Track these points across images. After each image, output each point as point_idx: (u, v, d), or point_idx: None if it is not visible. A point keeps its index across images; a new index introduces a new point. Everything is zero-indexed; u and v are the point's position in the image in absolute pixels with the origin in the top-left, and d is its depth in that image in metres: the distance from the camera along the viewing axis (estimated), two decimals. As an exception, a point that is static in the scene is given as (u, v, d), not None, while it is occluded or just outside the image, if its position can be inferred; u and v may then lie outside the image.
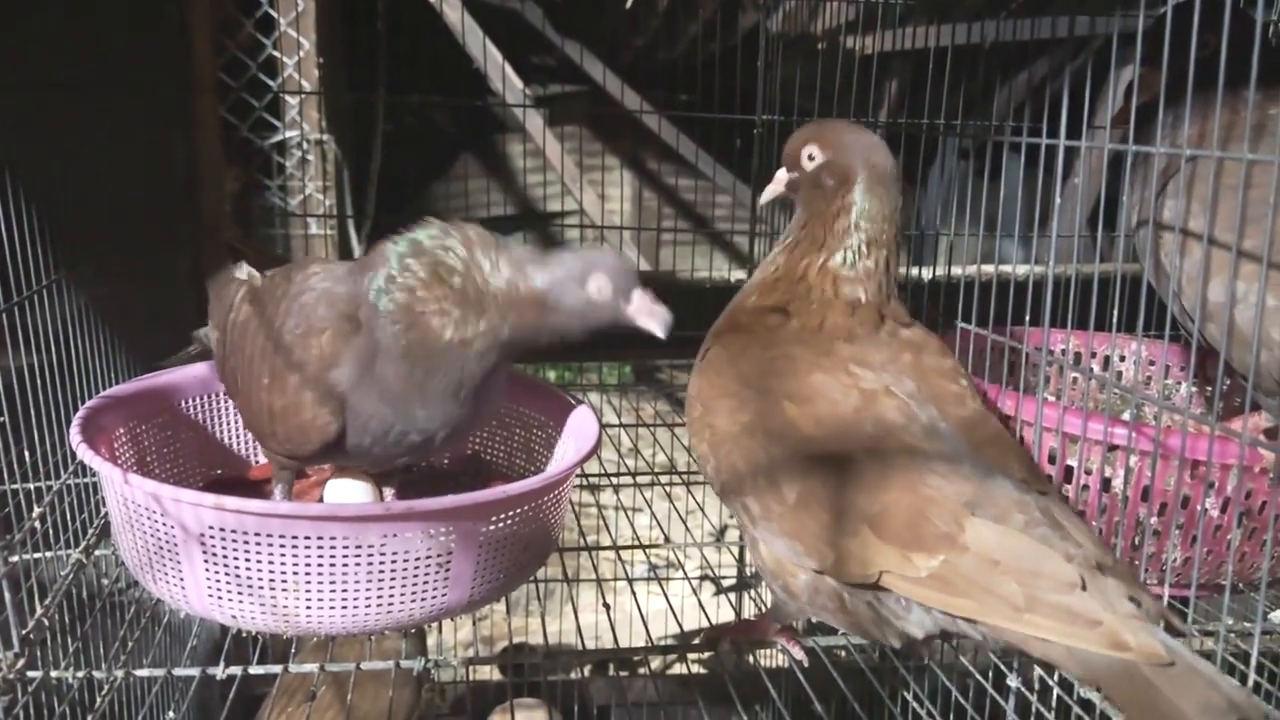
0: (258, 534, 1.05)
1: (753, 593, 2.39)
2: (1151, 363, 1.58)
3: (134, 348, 1.63)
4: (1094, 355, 1.58)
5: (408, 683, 1.81)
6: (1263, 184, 1.03)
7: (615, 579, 1.80)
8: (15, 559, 1.20)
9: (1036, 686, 1.21)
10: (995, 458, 1.00)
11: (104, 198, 1.63)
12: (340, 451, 1.16)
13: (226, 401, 1.43)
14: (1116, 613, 0.87)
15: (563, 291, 1.09)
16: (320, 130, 2.31)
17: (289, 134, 2.30)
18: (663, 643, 1.46)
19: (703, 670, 2.30)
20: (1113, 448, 1.16)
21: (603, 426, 1.34)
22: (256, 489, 1.39)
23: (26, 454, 1.29)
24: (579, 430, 1.35)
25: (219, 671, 1.21)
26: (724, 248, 3.66)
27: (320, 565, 1.06)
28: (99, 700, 1.19)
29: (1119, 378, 1.57)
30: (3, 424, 1.22)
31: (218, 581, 1.09)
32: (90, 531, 1.39)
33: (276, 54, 2.25)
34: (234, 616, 1.12)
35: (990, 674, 1.24)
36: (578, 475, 1.55)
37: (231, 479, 1.43)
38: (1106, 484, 1.18)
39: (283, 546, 1.06)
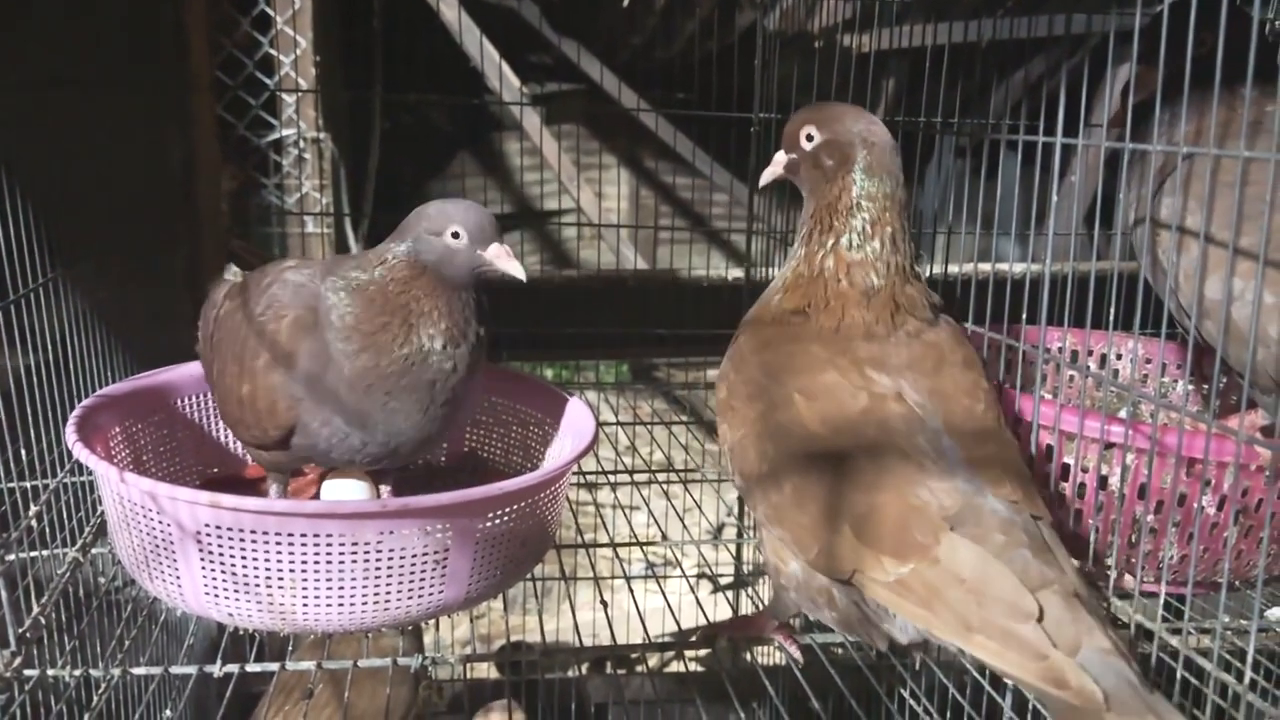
0: (254, 532, 1.05)
1: (750, 590, 2.39)
2: (1148, 360, 1.58)
3: (130, 346, 1.63)
4: (1091, 353, 1.58)
5: (405, 680, 1.81)
6: (1259, 181, 1.03)
7: (613, 577, 1.80)
8: (12, 557, 1.20)
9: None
10: (992, 477, 1.00)
11: (100, 196, 1.63)
12: (304, 446, 1.18)
13: (223, 399, 1.43)
14: (1068, 648, 0.88)
15: (423, 246, 1.15)
16: (317, 128, 2.31)
17: (286, 132, 2.30)
18: (660, 640, 1.46)
19: (700, 668, 2.30)
20: (1109, 445, 1.16)
21: (600, 424, 1.35)
22: (252, 487, 1.39)
23: (23, 452, 1.29)
24: (576, 427, 1.35)
25: (216, 669, 1.21)
26: (721, 246, 3.66)
27: (317, 563, 1.06)
28: (96, 699, 1.19)
29: (1116, 375, 1.57)
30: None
31: (214, 579, 1.09)
32: (87, 530, 1.39)
33: (273, 52, 2.25)
34: (230, 614, 1.12)
35: (988, 672, 1.24)
36: (575, 473, 1.56)
37: (227, 477, 1.43)
38: (1103, 482, 1.18)
39: (279, 544, 1.06)
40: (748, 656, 1.80)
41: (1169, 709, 0.85)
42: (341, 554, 1.06)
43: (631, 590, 1.54)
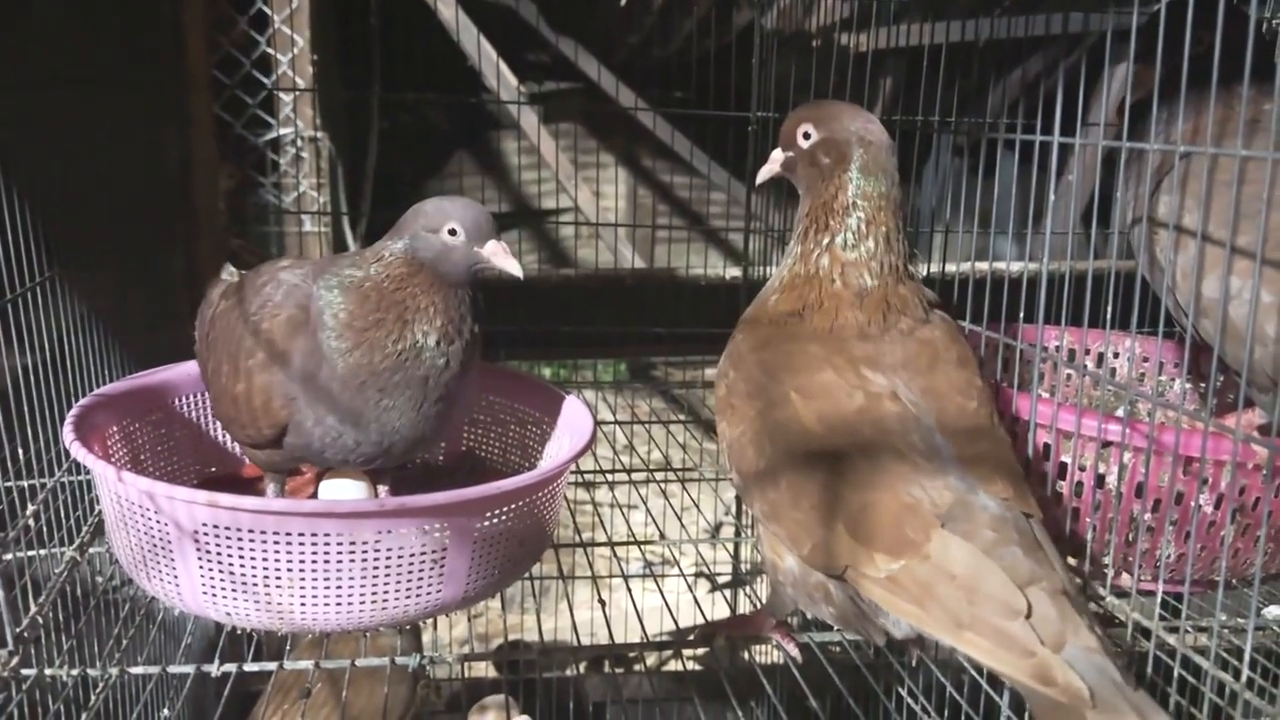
0: (251, 531, 1.05)
1: (747, 589, 2.40)
2: (1145, 359, 1.58)
3: (127, 345, 1.63)
4: (1088, 352, 1.59)
5: (403, 679, 1.81)
6: (1257, 180, 1.03)
7: (610, 576, 1.80)
8: (9, 556, 1.20)
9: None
10: (984, 474, 1.01)
11: (97, 195, 1.63)
12: (298, 446, 1.18)
13: (220, 399, 1.43)
14: (1054, 646, 0.88)
15: (420, 244, 1.15)
16: (314, 127, 2.31)
17: (283, 131, 2.30)
18: (658, 639, 1.46)
19: (698, 666, 2.30)
20: (1107, 444, 1.16)
21: (598, 423, 1.35)
22: (250, 486, 1.39)
23: (20, 451, 1.29)
24: (574, 426, 1.35)
25: (214, 669, 1.21)
26: (718, 245, 3.66)
27: (314, 562, 1.06)
28: (93, 698, 1.19)
29: (1113, 374, 1.57)
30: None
31: (212, 579, 1.09)
32: (84, 529, 1.38)
33: (270, 51, 2.25)
34: (228, 614, 1.12)
35: (985, 670, 1.24)
36: (573, 472, 1.56)
37: (225, 476, 1.43)
38: (1101, 480, 1.18)
39: (277, 543, 1.05)
40: (745, 655, 1.80)
41: (1153, 707, 0.86)
42: (339, 553, 1.06)
43: (629, 589, 1.54)
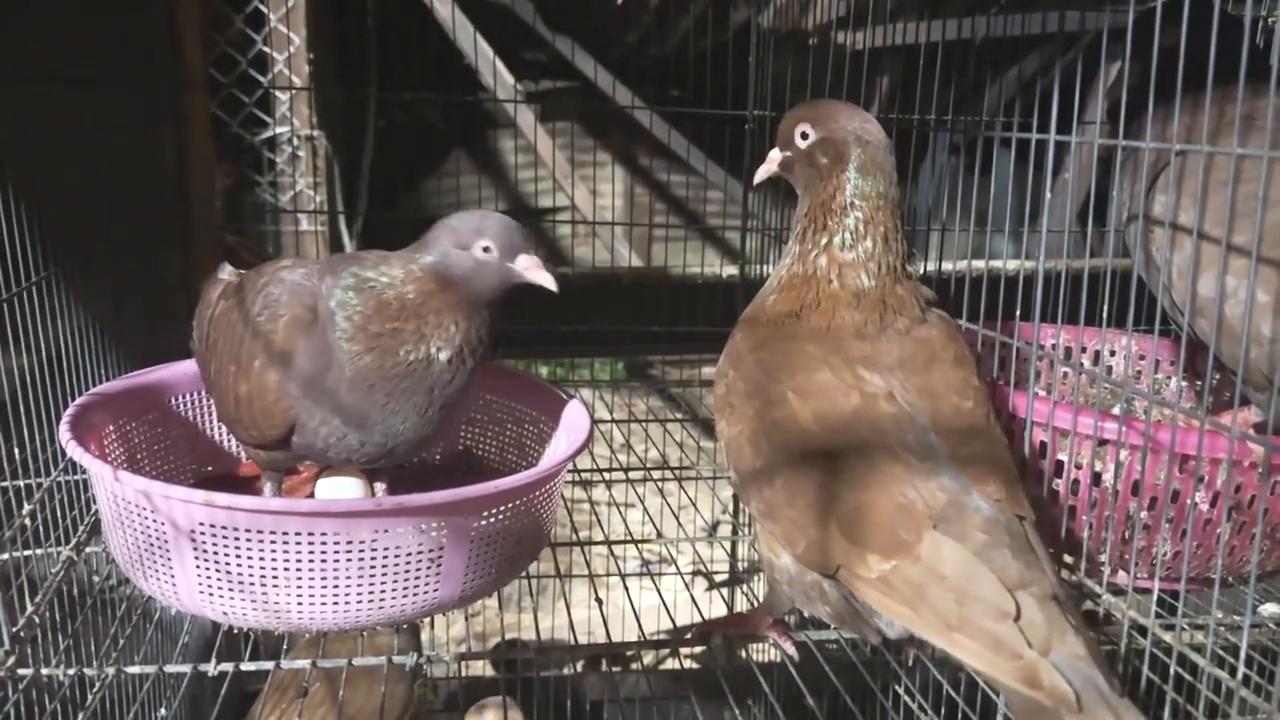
0: (248, 530, 1.05)
1: (745, 587, 2.40)
2: (1142, 357, 1.58)
3: (124, 344, 1.63)
4: (1084, 350, 1.59)
5: (401, 678, 1.81)
6: (1253, 179, 1.03)
7: (608, 574, 1.80)
8: (5, 556, 1.20)
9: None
10: (977, 475, 1.01)
11: (94, 194, 1.62)
12: (303, 446, 1.18)
13: (217, 398, 1.43)
14: (1041, 650, 0.88)
15: (451, 260, 1.14)
16: (311, 126, 2.31)
17: (279, 130, 2.30)
18: (655, 638, 1.46)
19: (695, 665, 2.30)
20: (1103, 442, 1.16)
21: (595, 422, 1.35)
22: (247, 485, 1.39)
23: (16, 451, 1.28)
24: (571, 425, 1.35)
25: (211, 668, 1.21)
26: (715, 243, 3.66)
27: (311, 561, 1.06)
28: (90, 698, 1.18)
29: (1109, 372, 1.57)
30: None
31: (209, 578, 1.09)
32: (81, 528, 1.38)
33: (267, 50, 2.25)
34: (225, 613, 1.12)
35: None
36: (570, 470, 1.56)
37: (222, 475, 1.43)
38: (1097, 478, 1.19)
39: (274, 542, 1.05)
40: (743, 653, 1.80)
41: (1135, 715, 0.86)
42: (336, 552, 1.06)
43: (626, 588, 1.54)
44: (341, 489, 1.30)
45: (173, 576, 1.11)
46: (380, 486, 1.33)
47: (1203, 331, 1.14)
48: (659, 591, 1.61)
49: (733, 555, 2.59)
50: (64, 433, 1.16)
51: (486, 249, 1.13)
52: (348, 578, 1.08)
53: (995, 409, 1.14)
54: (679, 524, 1.95)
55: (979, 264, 1.23)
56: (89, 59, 1.72)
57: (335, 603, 1.09)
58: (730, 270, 2.48)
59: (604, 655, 2.54)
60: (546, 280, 1.15)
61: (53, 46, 1.59)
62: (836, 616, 1.08)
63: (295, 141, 2.30)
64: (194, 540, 1.06)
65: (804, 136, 1.17)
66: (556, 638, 2.03)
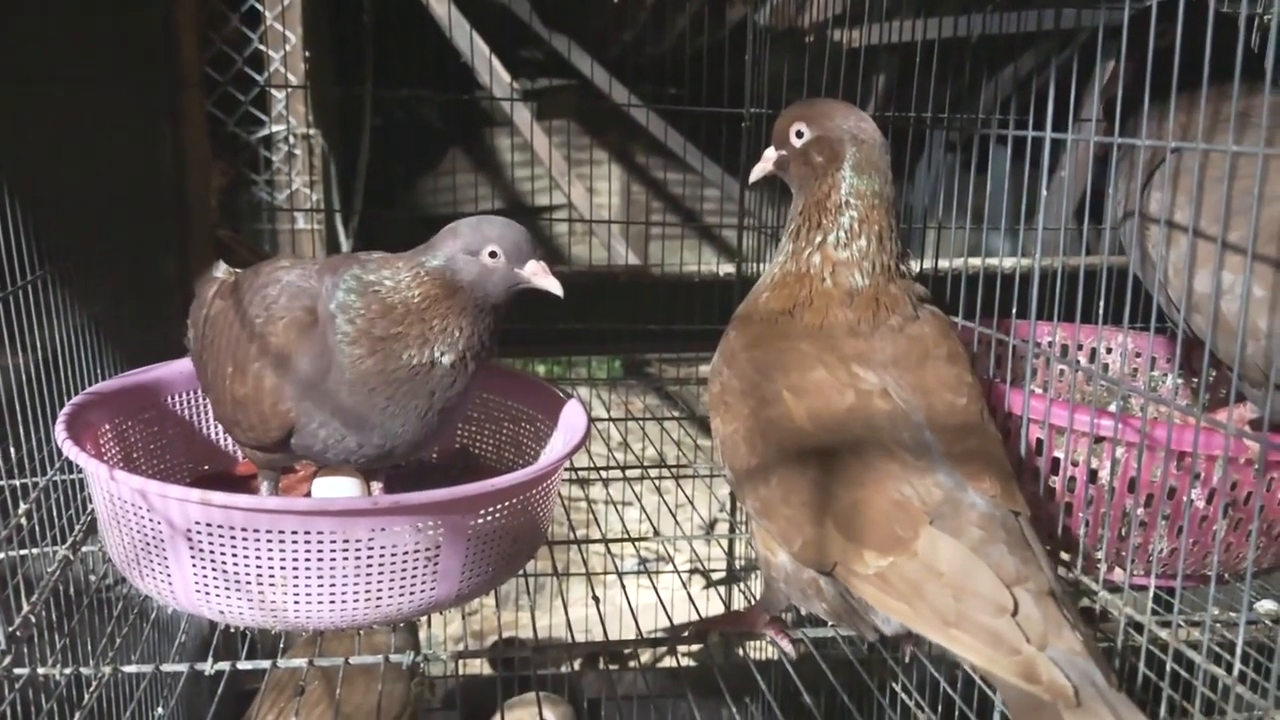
0: (245, 529, 1.05)
1: (742, 585, 2.40)
2: (1138, 355, 1.59)
3: (120, 342, 1.63)
4: (1080, 347, 1.59)
5: (398, 677, 1.81)
6: (1248, 176, 1.03)
7: (605, 573, 1.80)
8: (1, 555, 1.20)
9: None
10: (972, 471, 1.01)
11: (89, 193, 1.62)
12: (300, 447, 1.18)
13: (213, 397, 1.42)
14: (1038, 645, 0.89)
15: (459, 265, 1.14)
16: (307, 124, 2.31)
17: (276, 128, 2.29)
18: (652, 636, 1.46)
19: (692, 663, 2.30)
20: (1099, 439, 1.17)
21: (592, 420, 1.34)
22: (244, 484, 1.39)
23: (12, 450, 1.28)
24: (568, 423, 1.35)
25: (207, 667, 1.21)
26: (712, 241, 3.65)
27: (308, 560, 1.06)
28: (87, 697, 1.18)
29: (1105, 370, 1.58)
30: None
31: (205, 577, 1.09)
32: (77, 528, 1.38)
33: (263, 48, 2.24)
34: (222, 612, 1.12)
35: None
36: (567, 469, 1.56)
37: (218, 474, 1.43)
38: (1093, 475, 1.19)
39: (270, 541, 1.05)
40: (740, 651, 1.80)
41: (1132, 710, 0.86)
42: (333, 551, 1.06)
43: (624, 586, 1.54)
44: (338, 488, 1.29)
45: (169, 575, 1.11)
46: (377, 485, 1.33)
47: (1199, 328, 1.14)
48: (656, 590, 1.61)
49: (730, 553, 2.59)
50: (60, 431, 1.16)
51: (494, 254, 1.13)
52: (344, 576, 1.08)
53: (991, 406, 1.14)
54: (676, 522, 1.95)
55: (975, 262, 1.23)
56: (87, 59, 1.71)
57: (332, 601, 1.09)
58: (727, 268, 2.47)
59: (601, 653, 2.55)
60: (553, 286, 1.15)
61: (48, 46, 1.59)
62: (833, 614, 1.08)
63: (291, 140, 2.30)
64: (190, 539, 1.06)
65: (799, 135, 1.17)
66: (554, 636, 2.03)
